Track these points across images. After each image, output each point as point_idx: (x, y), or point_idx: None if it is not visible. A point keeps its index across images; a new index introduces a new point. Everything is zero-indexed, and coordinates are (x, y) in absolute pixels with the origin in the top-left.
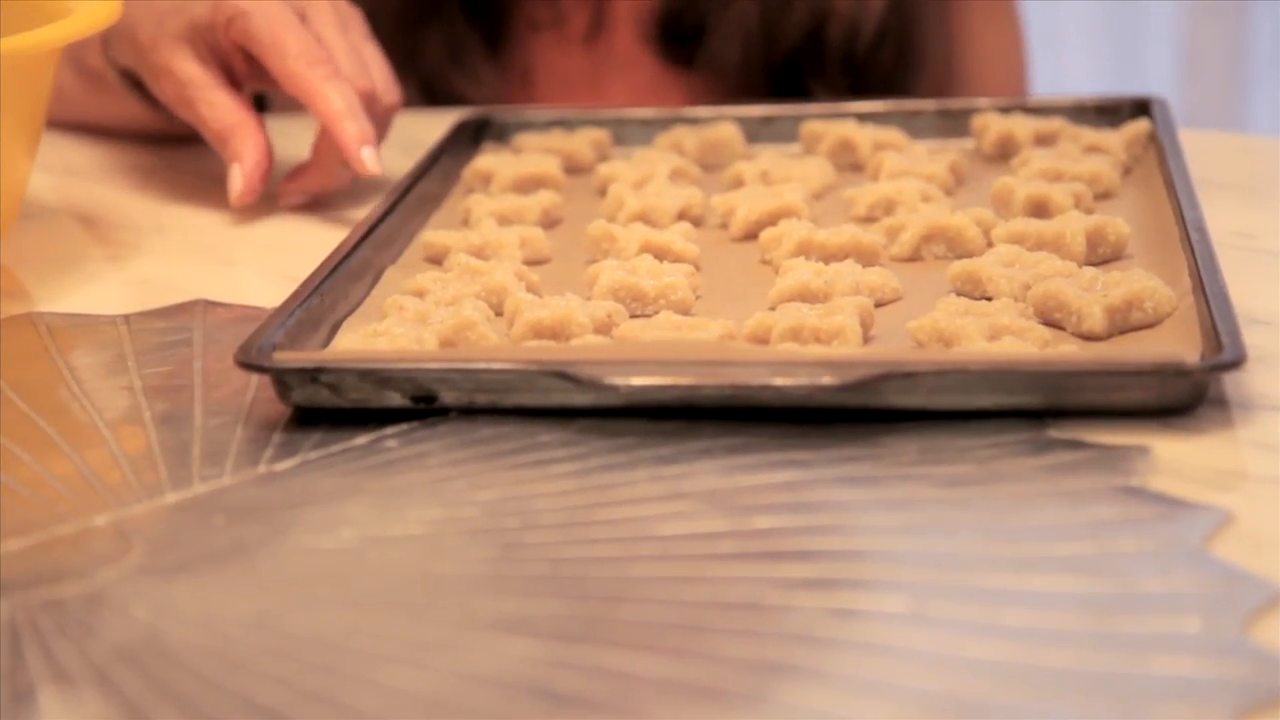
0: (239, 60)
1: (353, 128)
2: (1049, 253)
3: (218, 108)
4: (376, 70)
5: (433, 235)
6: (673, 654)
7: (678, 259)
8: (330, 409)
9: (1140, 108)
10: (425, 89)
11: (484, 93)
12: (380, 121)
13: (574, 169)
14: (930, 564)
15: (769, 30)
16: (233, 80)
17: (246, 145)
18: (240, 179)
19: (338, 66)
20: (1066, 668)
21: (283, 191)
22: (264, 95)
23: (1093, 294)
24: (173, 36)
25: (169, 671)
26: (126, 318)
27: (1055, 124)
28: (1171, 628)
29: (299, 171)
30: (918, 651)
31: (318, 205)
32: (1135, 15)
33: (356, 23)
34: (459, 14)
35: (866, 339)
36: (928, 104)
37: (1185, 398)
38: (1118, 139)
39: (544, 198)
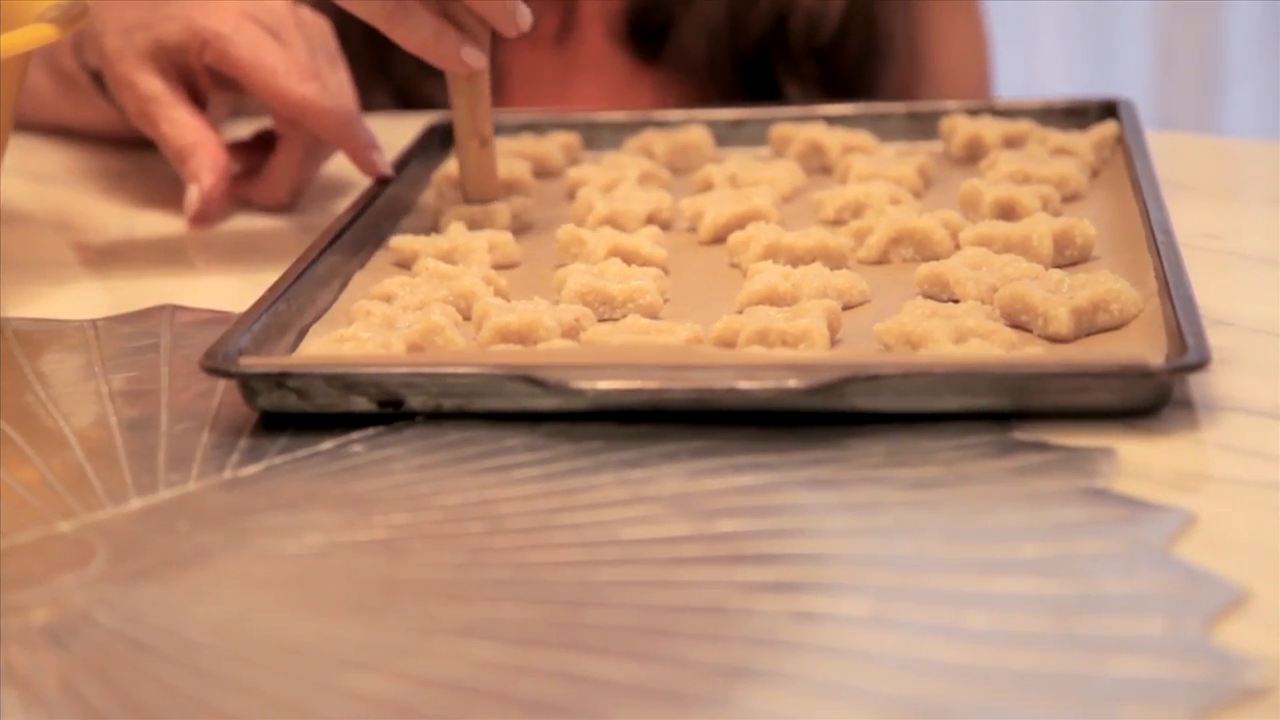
0: (204, 79)
1: (361, 134)
2: (1016, 255)
3: (179, 125)
4: (348, 87)
5: (401, 240)
6: (636, 658)
7: (646, 263)
8: (296, 414)
9: (1108, 110)
10: (398, 95)
11: None
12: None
13: (544, 173)
14: (894, 566)
15: (734, 24)
16: (195, 98)
17: (204, 165)
18: (197, 199)
19: (325, 81)
20: (1029, 669)
21: (212, 196)
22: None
23: (1059, 296)
24: (138, 51)
25: (133, 678)
26: (94, 323)
27: (1023, 126)
28: (1134, 629)
29: (245, 181)
30: (881, 654)
31: (281, 209)
32: (1109, 15)
33: (323, 41)
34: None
35: (834, 342)
36: (896, 107)
37: (1150, 399)
38: (1085, 141)
39: (513, 202)
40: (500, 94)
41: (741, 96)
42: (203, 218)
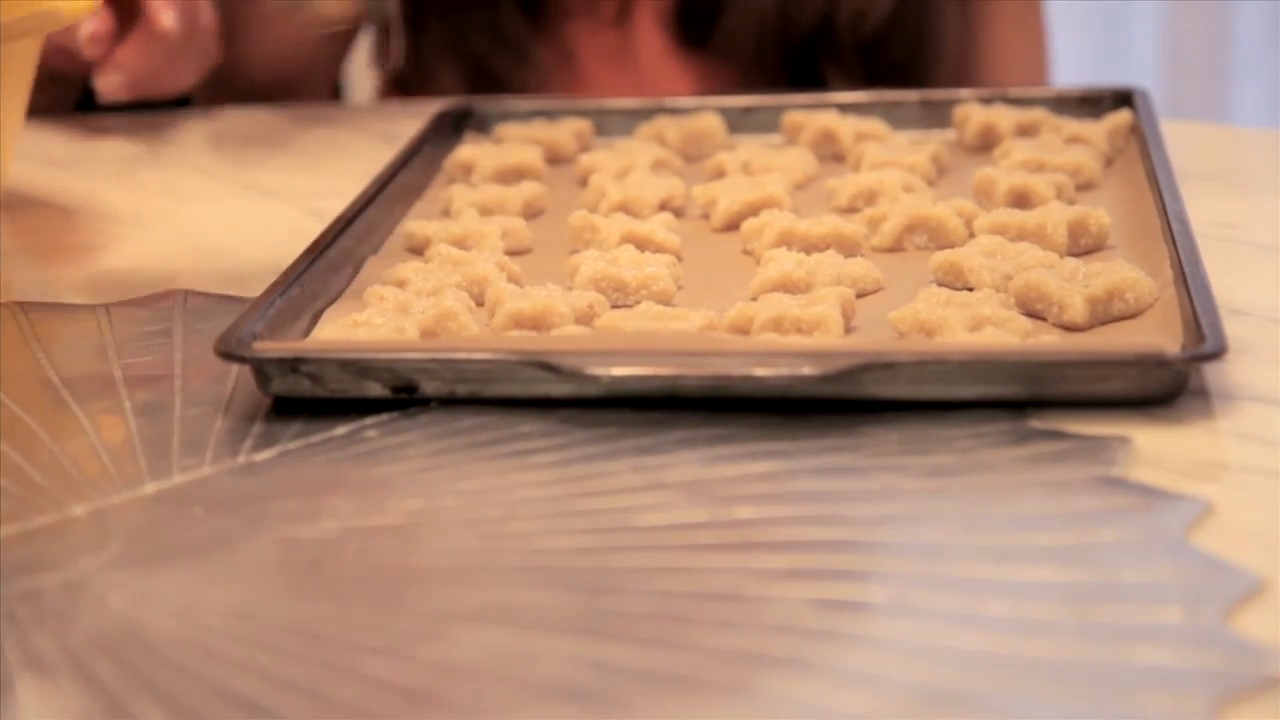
0: None
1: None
2: (1031, 243)
3: None
4: None
5: (414, 225)
6: (653, 644)
7: (659, 249)
8: (310, 399)
9: (1122, 99)
10: (470, 75)
11: (529, 75)
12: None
13: (556, 159)
14: (911, 554)
15: (782, 14)
16: None
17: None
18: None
19: None
20: (1047, 657)
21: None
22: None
23: (1074, 285)
24: None
25: (147, 662)
26: (107, 307)
27: (1037, 115)
28: (1152, 618)
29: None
30: (898, 642)
31: (294, 195)
32: (1119, 6)
33: None
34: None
35: (848, 329)
36: (909, 95)
37: (1166, 388)
38: (1099, 130)
39: (526, 188)
40: (569, 75)
41: (787, 88)
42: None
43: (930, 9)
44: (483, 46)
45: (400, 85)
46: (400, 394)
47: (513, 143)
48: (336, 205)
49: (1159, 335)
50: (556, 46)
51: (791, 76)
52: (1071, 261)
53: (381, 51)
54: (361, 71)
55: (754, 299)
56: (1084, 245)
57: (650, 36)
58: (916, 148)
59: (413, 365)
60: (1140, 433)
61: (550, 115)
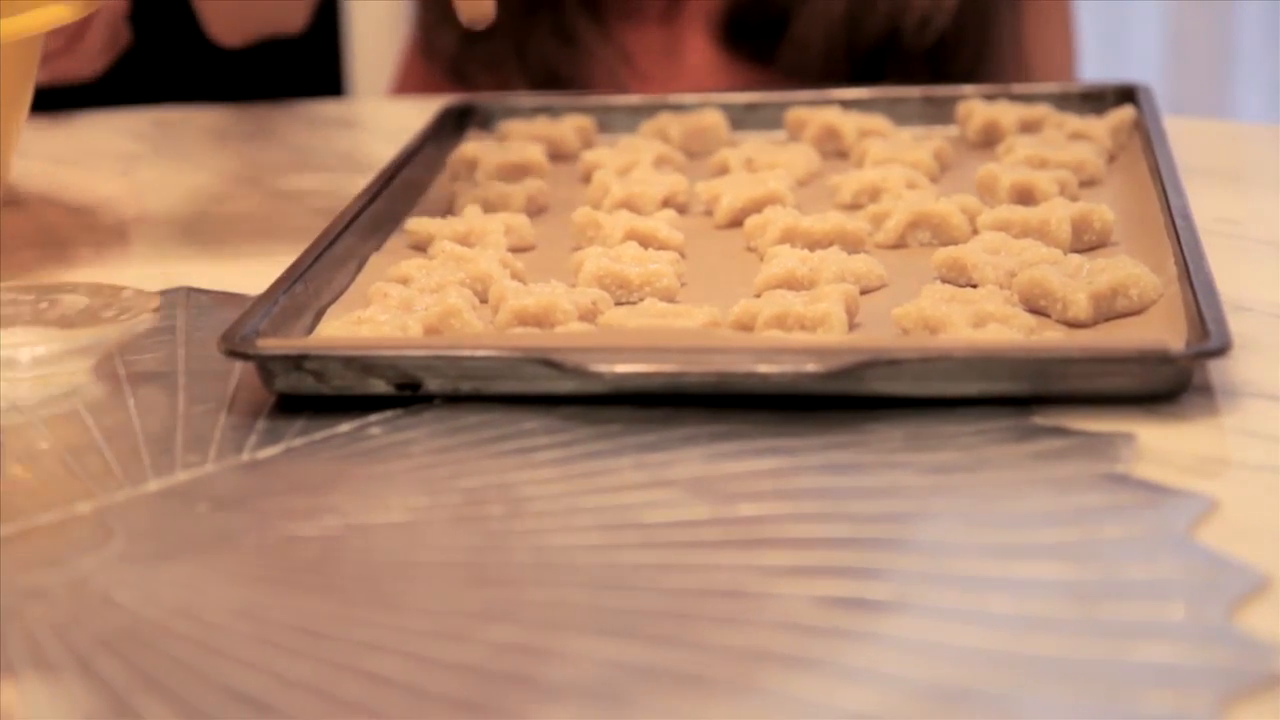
0: None
1: None
2: (1034, 240)
3: None
4: None
5: (417, 223)
6: (657, 642)
7: (662, 246)
8: (314, 396)
9: (1125, 95)
10: (535, 76)
11: (593, 75)
12: None
13: (559, 156)
14: (915, 551)
15: (851, 22)
16: None
17: None
18: None
19: None
20: (1051, 655)
21: None
22: None
23: (1078, 281)
24: None
25: (152, 660)
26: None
27: (1040, 111)
28: (1156, 614)
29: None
30: (903, 639)
31: (297, 191)
32: (1121, 2)
33: None
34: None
35: (851, 326)
36: (912, 91)
37: (1170, 385)
38: (1103, 126)
39: (529, 185)
40: (625, 83)
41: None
42: None
43: (992, 12)
44: (545, 50)
45: (459, 76)
46: (404, 391)
47: (515, 140)
48: (339, 202)
49: (1163, 331)
50: (619, 51)
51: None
52: (1075, 258)
53: (432, 42)
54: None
55: (757, 296)
56: (1087, 242)
57: (714, 48)
58: (919, 144)
59: (416, 362)
60: (1144, 429)
61: (553, 112)
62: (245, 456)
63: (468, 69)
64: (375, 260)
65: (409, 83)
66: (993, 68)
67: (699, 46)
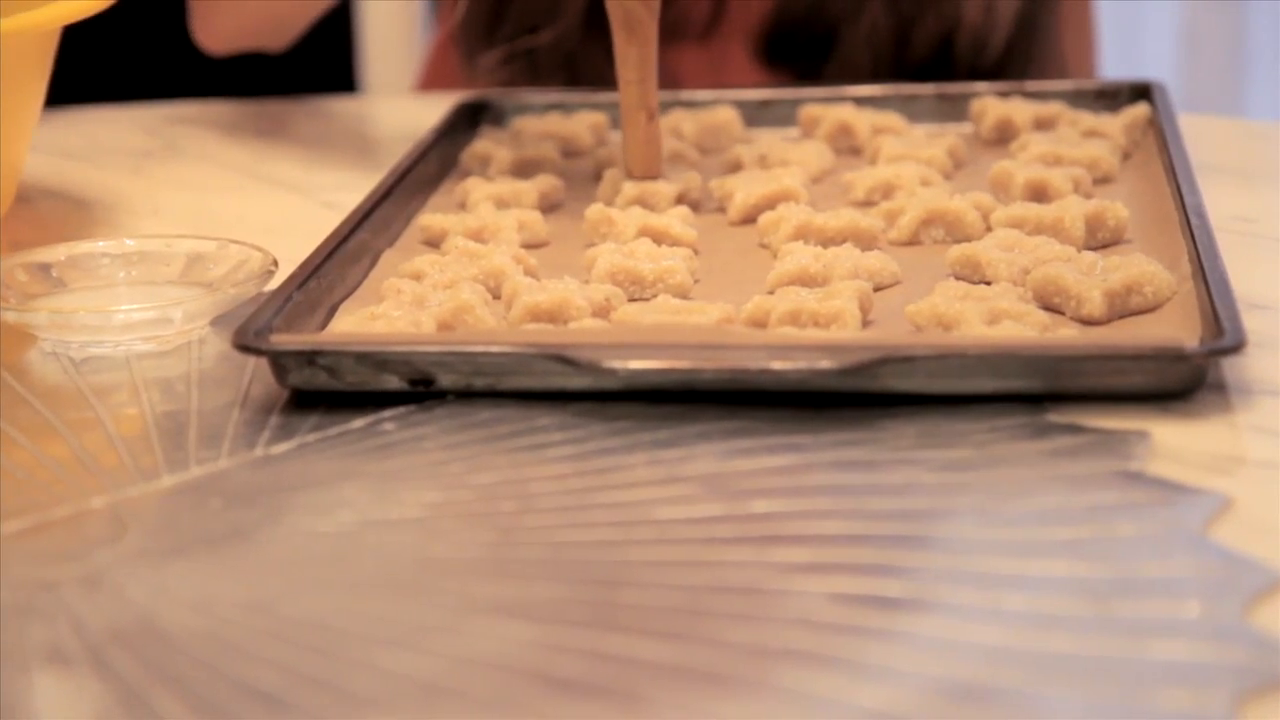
0: None
1: None
2: (1048, 237)
3: None
4: None
5: (430, 218)
6: (672, 638)
7: (676, 243)
8: (327, 392)
9: (1140, 92)
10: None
11: None
12: None
13: (571, 152)
14: (929, 548)
15: (899, 42)
16: None
17: None
18: None
19: None
20: (1066, 652)
21: None
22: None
23: (1092, 278)
24: None
25: (166, 654)
26: None
27: (1054, 108)
28: (1171, 612)
29: None
30: (917, 636)
31: (310, 187)
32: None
33: None
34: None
35: (865, 323)
36: (926, 88)
37: (1184, 382)
38: (1117, 124)
39: (542, 181)
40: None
41: None
42: None
43: (1040, 27)
44: (603, 68)
45: (511, 80)
46: (417, 387)
47: (528, 136)
48: (352, 198)
49: (1177, 329)
50: (665, 72)
51: None
52: (1089, 255)
53: (474, 59)
54: (379, 65)
55: (771, 292)
56: (1101, 239)
57: (757, 68)
58: (933, 141)
59: (429, 358)
60: (1158, 427)
61: (565, 109)
62: (259, 452)
63: (515, 75)
64: (388, 256)
65: (437, 81)
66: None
67: (741, 66)
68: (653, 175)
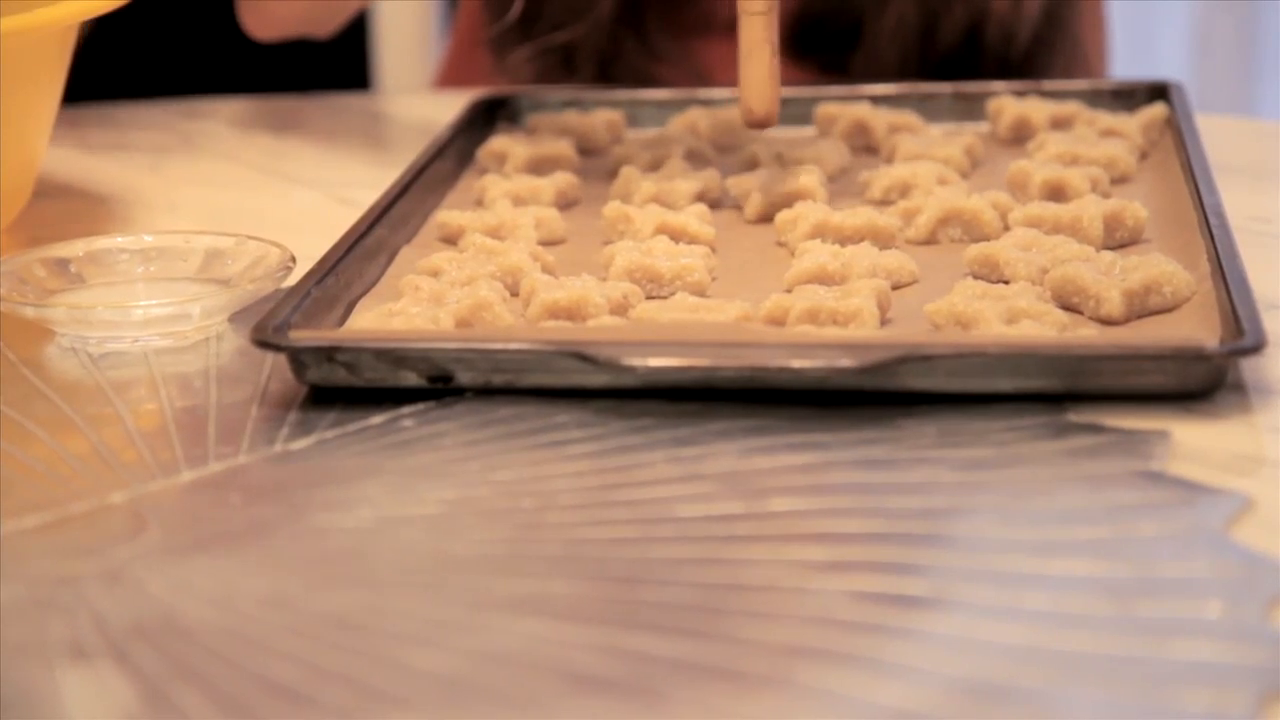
0: None
1: None
2: (1066, 236)
3: None
4: None
5: (447, 215)
6: (691, 635)
7: (693, 241)
8: (346, 388)
9: (1157, 92)
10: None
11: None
12: None
13: (588, 150)
14: (949, 547)
15: (926, 36)
16: None
17: None
18: None
19: None
20: (1087, 651)
21: None
22: None
23: (1111, 278)
24: None
25: (186, 650)
26: None
27: (1071, 108)
28: (1192, 612)
29: None
30: (937, 634)
31: (327, 184)
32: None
33: None
34: (655, 21)
35: (883, 321)
36: (943, 87)
37: (1204, 382)
38: (1134, 123)
39: (559, 179)
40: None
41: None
42: None
43: (1065, 19)
44: (637, 63)
45: (541, 76)
46: (436, 384)
47: (545, 133)
48: (370, 194)
49: (1196, 329)
50: (695, 66)
51: None
52: (1108, 255)
53: (502, 56)
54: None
55: (789, 290)
56: (1120, 239)
57: (784, 60)
58: (950, 140)
59: (448, 355)
60: (1179, 426)
61: (582, 106)
62: (278, 448)
63: (551, 72)
64: (406, 253)
65: (458, 78)
66: (1062, 75)
67: (785, 67)
68: (772, 115)
